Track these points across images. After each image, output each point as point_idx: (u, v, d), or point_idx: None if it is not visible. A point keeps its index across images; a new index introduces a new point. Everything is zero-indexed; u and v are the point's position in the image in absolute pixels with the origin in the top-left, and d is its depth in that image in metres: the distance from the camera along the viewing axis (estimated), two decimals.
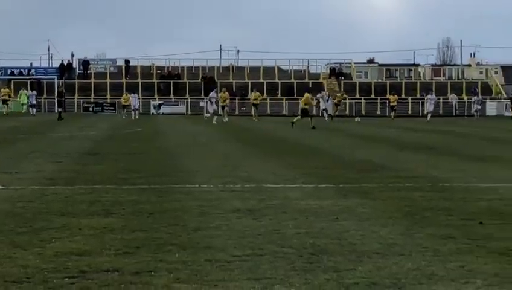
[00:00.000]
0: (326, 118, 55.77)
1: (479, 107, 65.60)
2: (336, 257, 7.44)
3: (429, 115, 58.45)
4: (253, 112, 56.69)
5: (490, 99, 73.12)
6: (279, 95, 75.90)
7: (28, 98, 68.14)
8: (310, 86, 73.07)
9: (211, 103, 53.48)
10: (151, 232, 8.75)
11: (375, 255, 7.54)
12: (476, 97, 67.93)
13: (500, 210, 10.54)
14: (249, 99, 66.03)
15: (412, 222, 9.63)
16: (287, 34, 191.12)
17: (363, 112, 70.54)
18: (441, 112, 68.74)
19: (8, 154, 21.06)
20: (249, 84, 72.92)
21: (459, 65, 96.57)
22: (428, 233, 8.82)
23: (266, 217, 10.29)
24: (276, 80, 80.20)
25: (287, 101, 73.18)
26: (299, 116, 41.13)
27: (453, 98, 74.46)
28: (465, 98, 75.57)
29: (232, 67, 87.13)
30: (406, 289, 6.02)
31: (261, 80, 78.41)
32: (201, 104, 72.55)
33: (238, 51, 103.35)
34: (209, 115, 50.83)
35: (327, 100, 60.02)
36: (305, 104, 40.93)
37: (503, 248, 7.67)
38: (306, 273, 6.71)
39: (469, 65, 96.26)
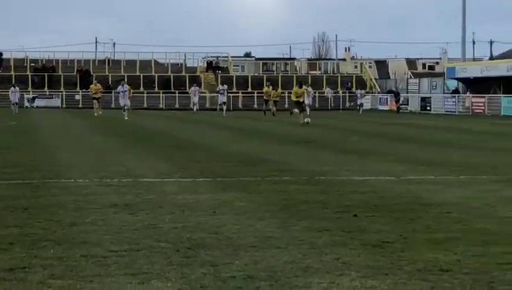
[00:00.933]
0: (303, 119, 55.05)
1: (362, 101, 67.75)
2: (213, 251, 7.50)
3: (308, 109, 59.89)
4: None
5: (366, 93, 76.04)
6: (156, 88, 75.89)
7: None
8: (187, 79, 74.02)
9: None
10: (25, 228, 8.60)
11: (252, 248, 7.66)
12: (361, 91, 70.36)
13: (374, 203, 10.90)
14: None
15: (288, 215, 9.80)
16: (163, 27, 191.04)
17: (240, 106, 71.56)
18: (317, 105, 70.46)
19: None
20: (125, 77, 71.97)
21: (334, 59, 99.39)
22: (304, 226, 9.00)
23: (143, 212, 10.26)
24: (153, 73, 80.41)
25: (163, 95, 73.52)
26: (297, 110, 41.58)
27: (328, 92, 76.81)
28: (340, 91, 78.27)
29: (108, 60, 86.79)
30: (282, 282, 6.14)
31: (138, 73, 78.14)
32: (77, 97, 72.08)
33: (114, 43, 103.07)
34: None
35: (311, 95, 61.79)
36: (296, 97, 41.30)
37: (376, 240, 7.96)
38: (183, 268, 6.77)
39: (344, 59, 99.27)
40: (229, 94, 73.37)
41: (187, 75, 79.85)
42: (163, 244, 7.95)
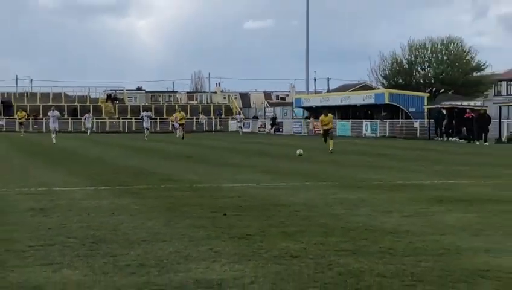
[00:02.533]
0: None
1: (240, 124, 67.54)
2: (112, 245, 7.33)
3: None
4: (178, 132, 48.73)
5: (231, 118, 77.04)
6: (66, 115, 74.24)
7: None
8: (91, 109, 74.09)
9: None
10: None
11: (144, 242, 7.55)
12: (239, 116, 70.58)
13: (240, 204, 10.86)
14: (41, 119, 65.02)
15: (173, 215, 9.63)
16: (71, 65, 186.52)
17: (134, 129, 70.74)
18: (194, 128, 70.46)
19: None
20: (41, 107, 73.11)
21: (207, 92, 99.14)
22: (185, 223, 8.84)
23: (55, 215, 9.83)
24: (63, 103, 79.14)
25: (72, 120, 72.71)
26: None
27: (202, 118, 76.99)
28: (213, 117, 78.95)
29: (27, 93, 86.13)
30: (167, 268, 6.11)
31: (51, 103, 76.57)
32: (1, 122, 72.35)
33: (32, 80, 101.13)
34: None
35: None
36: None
37: (241, 234, 7.91)
38: (88, 259, 6.61)
39: (215, 92, 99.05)
40: (124, 119, 73.00)
41: (91, 105, 79.92)
42: (72, 240, 7.67)
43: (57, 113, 32.69)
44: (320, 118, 27.98)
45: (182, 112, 49.95)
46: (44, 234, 8.07)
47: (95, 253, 6.74)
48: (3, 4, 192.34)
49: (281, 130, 64.84)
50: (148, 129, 48.75)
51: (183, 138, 43.20)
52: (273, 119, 67.38)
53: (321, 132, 28.36)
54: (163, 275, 5.87)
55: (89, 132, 59.06)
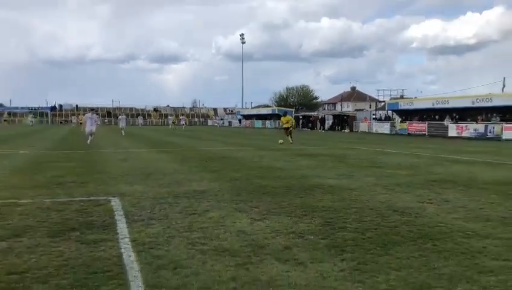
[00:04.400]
0: None
1: None
2: (155, 175, 9.67)
3: None
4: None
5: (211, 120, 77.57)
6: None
7: None
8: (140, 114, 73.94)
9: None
10: None
11: (170, 173, 9.89)
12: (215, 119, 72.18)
13: (213, 157, 13.52)
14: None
15: (184, 161, 12.21)
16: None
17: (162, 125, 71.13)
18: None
19: None
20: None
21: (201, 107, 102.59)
22: (189, 165, 11.50)
23: (129, 161, 12.60)
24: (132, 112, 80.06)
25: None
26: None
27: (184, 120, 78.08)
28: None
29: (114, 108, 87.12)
30: (181, 184, 8.46)
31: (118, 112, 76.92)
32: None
33: (119, 101, 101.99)
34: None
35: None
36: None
37: (214, 169, 10.65)
38: (145, 181, 9.03)
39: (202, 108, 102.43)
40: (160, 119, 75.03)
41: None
42: (138, 172, 9.99)
43: (95, 116, 25.28)
44: (281, 118, 26.19)
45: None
46: (124, 169, 11.01)
47: (148, 178, 9.61)
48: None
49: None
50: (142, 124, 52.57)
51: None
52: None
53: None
54: (179, 188, 8.23)
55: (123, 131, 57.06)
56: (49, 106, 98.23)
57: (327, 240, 4.94)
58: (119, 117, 41.84)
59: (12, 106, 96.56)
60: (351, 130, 51.27)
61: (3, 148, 18.61)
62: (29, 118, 76.76)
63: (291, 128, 24.35)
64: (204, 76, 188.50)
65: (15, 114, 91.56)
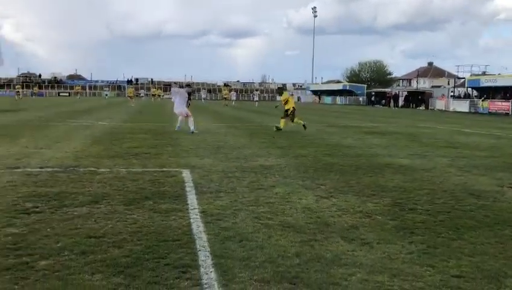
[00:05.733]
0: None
1: None
2: (225, 149, 9.93)
3: None
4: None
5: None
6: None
7: None
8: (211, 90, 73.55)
9: None
10: None
11: (239, 148, 10.09)
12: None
13: (274, 134, 13.60)
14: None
15: (252, 137, 12.38)
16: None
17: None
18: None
19: None
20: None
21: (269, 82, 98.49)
22: (257, 140, 11.66)
23: (201, 135, 12.81)
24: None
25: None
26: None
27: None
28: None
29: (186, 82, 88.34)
30: (248, 159, 8.68)
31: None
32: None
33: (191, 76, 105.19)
34: None
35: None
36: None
37: (281, 145, 10.75)
38: (214, 155, 9.29)
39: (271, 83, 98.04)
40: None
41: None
42: (208, 147, 10.29)
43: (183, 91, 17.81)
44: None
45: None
46: (196, 143, 11.37)
47: (218, 151, 9.88)
48: None
49: None
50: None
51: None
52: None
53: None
54: (247, 162, 8.41)
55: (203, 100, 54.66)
56: (125, 79, 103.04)
57: (396, 221, 4.82)
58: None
59: (93, 79, 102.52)
60: (427, 108, 49.07)
61: (85, 119, 19.86)
62: (106, 92, 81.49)
63: (290, 111, 15.99)
64: (275, 51, 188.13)
65: (95, 87, 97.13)
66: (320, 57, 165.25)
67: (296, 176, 7.21)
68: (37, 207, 5.03)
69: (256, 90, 61.80)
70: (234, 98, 53.82)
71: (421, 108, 49.81)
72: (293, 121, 15.67)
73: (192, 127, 13.99)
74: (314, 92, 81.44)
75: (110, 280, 3.22)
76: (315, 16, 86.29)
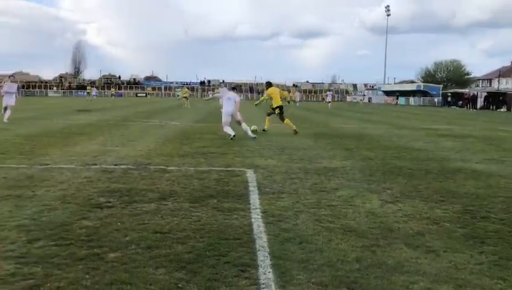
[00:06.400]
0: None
1: None
2: (289, 150, 9.90)
3: None
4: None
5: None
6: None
7: None
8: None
9: None
10: None
11: (303, 149, 10.05)
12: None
13: (348, 134, 13.34)
14: None
15: (317, 138, 12.32)
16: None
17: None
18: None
19: None
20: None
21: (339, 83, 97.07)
22: (322, 142, 11.56)
23: (267, 136, 12.78)
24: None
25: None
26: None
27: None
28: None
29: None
30: (312, 161, 8.64)
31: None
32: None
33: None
34: None
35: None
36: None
37: (347, 147, 10.59)
38: (278, 155, 9.34)
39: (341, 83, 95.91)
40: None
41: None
42: (273, 147, 10.34)
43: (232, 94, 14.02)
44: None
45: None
46: (261, 143, 11.47)
47: (282, 152, 9.91)
48: None
49: None
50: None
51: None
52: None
53: None
54: (310, 164, 8.37)
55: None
56: (198, 81, 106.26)
57: (465, 230, 4.57)
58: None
59: (168, 80, 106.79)
60: (509, 110, 45.90)
61: (159, 119, 20.71)
62: (177, 93, 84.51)
63: (276, 110, 14.68)
64: (345, 51, 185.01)
65: (170, 88, 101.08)
66: (392, 56, 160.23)
67: (361, 179, 7.06)
68: (110, 202, 5.33)
69: (329, 91, 58.83)
70: (298, 99, 53.08)
71: (502, 110, 46.77)
72: (283, 121, 14.53)
73: (248, 133, 12.79)
74: (387, 93, 79.09)
75: (173, 275, 3.35)
76: (388, 15, 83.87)
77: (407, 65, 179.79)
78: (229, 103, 12.90)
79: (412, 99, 67.00)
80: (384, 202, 5.63)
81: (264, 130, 14.60)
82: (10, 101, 16.90)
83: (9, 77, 18.01)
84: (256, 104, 17.54)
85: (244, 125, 13.05)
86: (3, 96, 17.03)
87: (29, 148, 9.64)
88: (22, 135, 12.40)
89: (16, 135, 12.37)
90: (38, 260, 3.57)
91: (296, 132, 14.22)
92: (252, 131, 13.18)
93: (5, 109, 16.81)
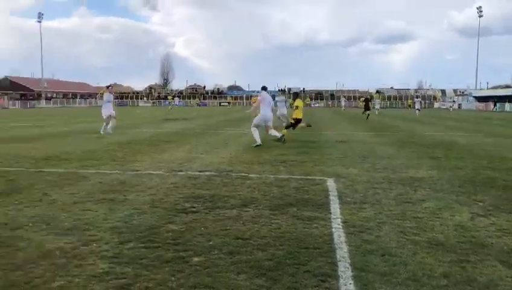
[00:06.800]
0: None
1: None
2: (371, 158, 9.68)
3: None
4: None
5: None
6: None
7: None
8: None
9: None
10: None
11: (385, 157, 9.80)
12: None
13: (437, 143, 12.66)
14: None
15: (400, 147, 11.86)
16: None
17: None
18: None
19: None
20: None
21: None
22: (407, 151, 11.08)
23: (347, 144, 12.63)
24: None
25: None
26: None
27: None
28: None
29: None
30: (397, 171, 8.35)
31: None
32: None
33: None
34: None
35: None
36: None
37: (434, 156, 10.06)
38: (360, 164, 9.10)
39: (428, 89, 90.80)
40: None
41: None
42: (354, 155, 10.12)
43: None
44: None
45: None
46: (342, 151, 11.30)
47: (364, 161, 9.67)
48: None
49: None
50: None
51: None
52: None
53: None
54: (394, 173, 8.05)
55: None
56: (278, 89, 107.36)
57: None
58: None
59: (249, 89, 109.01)
60: None
61: (241, 128, 21.18)
62: None
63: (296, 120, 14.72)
64: (433, 55, 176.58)
65: (251, 97, 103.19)
66: (484, 60, 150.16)
67: (449, 190, 6.69)
68: (194, 207, 5.55)
69: (417, 98, 55.19)
70: (378, 106, 50.68)
71: None
72: (287, 128, 14.51)
73: (276, 134, 13.08)
74: (479, 99, 74.23)
75: (253, 281, 3.40)
76: (480, 16, 78.82)
77: (501, 69, 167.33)
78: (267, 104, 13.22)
79: (507, 105, 62.23)
80: (475, 215, 5.29)
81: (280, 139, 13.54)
82: (111, 111, 17.77)
83: (108, 87, 19.22)
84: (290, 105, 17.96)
85: (272, 131, 13.17)
86: (102, 106, 18.16)
87: (121, 155, 10.31)
88: (114, 142, 13.29)
89: (108, 143, 13.27)
90: (129, 261, 3.81)
91: (283, 140, 13.38)
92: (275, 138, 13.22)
93: (108, 118, 17.51)
